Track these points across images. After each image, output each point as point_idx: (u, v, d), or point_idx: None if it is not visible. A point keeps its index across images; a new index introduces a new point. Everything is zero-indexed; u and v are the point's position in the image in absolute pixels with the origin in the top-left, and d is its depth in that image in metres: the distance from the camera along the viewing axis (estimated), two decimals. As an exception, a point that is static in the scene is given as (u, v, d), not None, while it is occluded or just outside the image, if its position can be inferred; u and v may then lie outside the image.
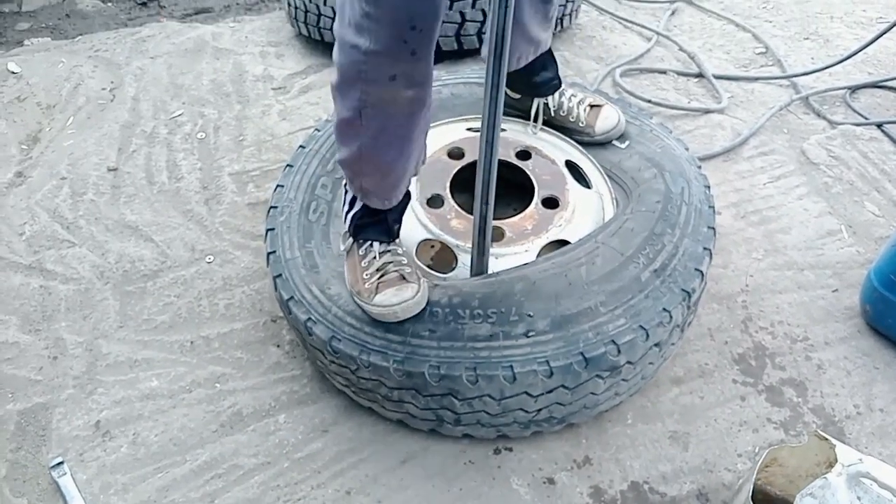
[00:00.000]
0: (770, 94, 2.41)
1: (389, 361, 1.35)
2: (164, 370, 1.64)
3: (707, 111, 2.30)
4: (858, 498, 1.15)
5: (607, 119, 1.72)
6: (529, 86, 1.73)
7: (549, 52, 1.71)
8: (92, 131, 2.23)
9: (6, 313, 1.75)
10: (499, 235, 1.55)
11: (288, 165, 1.72)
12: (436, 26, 1.15)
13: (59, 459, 1.48)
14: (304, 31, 2.54)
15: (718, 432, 1.54)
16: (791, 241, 1.91)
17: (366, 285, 1.39)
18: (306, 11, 2.44)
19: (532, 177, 1.65)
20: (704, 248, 1.51)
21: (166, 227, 1.95)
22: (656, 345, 1.43)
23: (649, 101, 2.30)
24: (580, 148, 1.75)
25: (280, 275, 1.51)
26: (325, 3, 2.38)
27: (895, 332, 1.68)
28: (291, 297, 1.47)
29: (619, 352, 1.35)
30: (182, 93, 2.37)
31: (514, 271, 1.45)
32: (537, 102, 1.75)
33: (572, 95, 1.75)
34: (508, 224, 1.57)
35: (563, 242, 1.55)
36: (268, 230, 1.60)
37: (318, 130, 1.79)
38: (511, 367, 1.32)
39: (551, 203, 1.61)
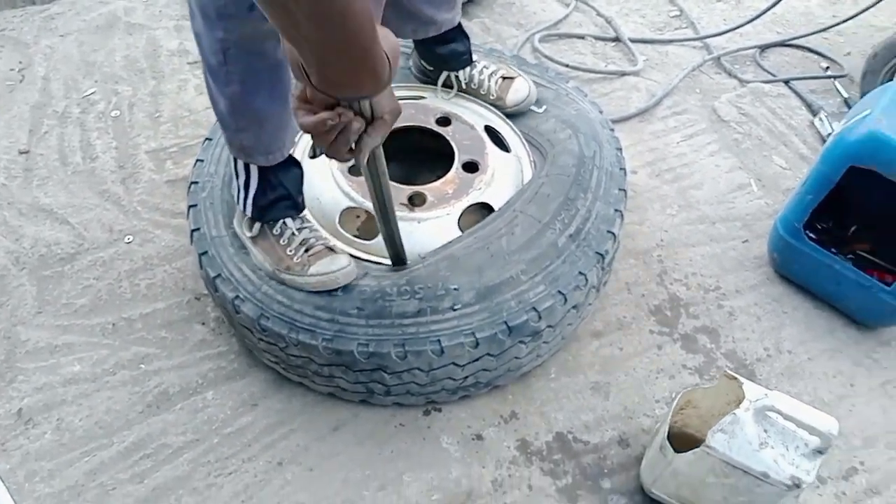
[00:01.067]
0: (684, 55, 2.48)
1: (318, 339, 1.36)
2: (87, 354, 1.61)
3: (623, 74, 2.35)
4: (765, 430, 1.22)
5: (518, 91, 1.74)
6: (438, 59, 1.75)
7: (459, 27, 1.71)
8: (1, 113, 2.14)
9: (-86, 304, 1.69)
10: (421, 201, 1.57)
11: (207, 139, 1.69)
12: None
13: (-20, 450, 1.45)
14: (220, 4, 2.48)
15: (637, 381, 1.61)
16: (703, 196, 1.99)
17: (295, 260, 1.39)
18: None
19: (452, 142, 1.67)
20: (616, 210, 1.56)
21: (82, 209, 1.89)
22: (574, 307, 1.48)
23: (567, 66, 2.33)
24: (499, 113, 1.78)
25: (206, 252, 1.49)
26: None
27: (801, 278, 1.77)
28: (219, 275, 1.46)
29: (539, 318, 1.40)
30: (94, 70, 2.29)
31: (439, 252, 1.47)
32: (445, 74, 1.77)
33: (484, 67, 1.77)
34: (430, 189, 1.58)
35: (484, 205, 1.58)
36: (190, 206, 1.57)
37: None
38: (439, 341, 1.35)
39: (471, 167, 1.63)
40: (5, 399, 1.54)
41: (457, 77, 1.77)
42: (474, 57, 1.77)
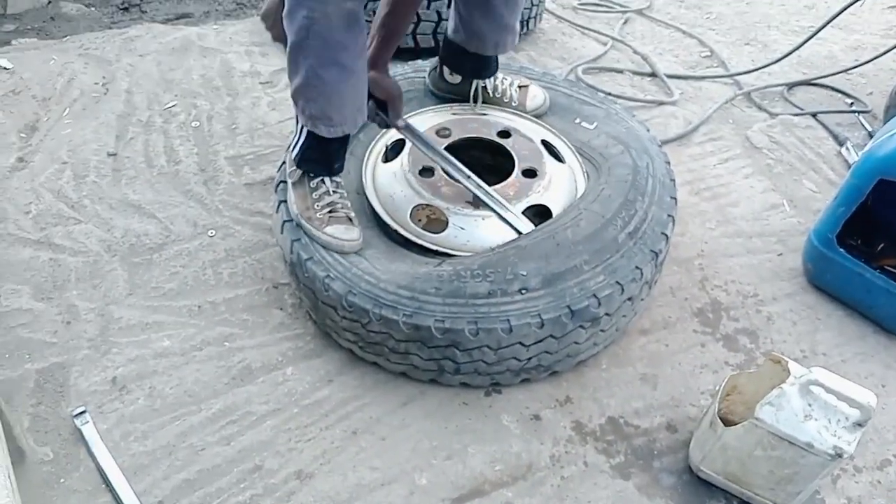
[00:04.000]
0: (716, 90, 2.66)
1: (399, 315, 1.50)
2: (175, 331, 1.75)
3: (661, 103, 2.53)
4: (809, 404, 1.33)
5: (535, 98, 1.97)
6: (473, 69, 1.92)
7: None
8: (89, 121, 2.33)
9: (18, 283, 1.84)
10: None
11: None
12: None
13: (82, 409, 1.57)
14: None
15: (683, 374, 1.73)
16: (740, 213, 2.14)
17: (317, 215, 1.60)
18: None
19: (513, 152, 1.83)
20: (669, 215, 1.71)
21: (168, 205, 2.06)
22: (629, 299, 1.61)
23: (609, 94, 2.51)
24: (553, 130, 1.94)
25: (298, 239, 1.64)
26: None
27: (834, 287, 1.90)
28: (311, 258, 1.60)
29: (599, 304, 1.54)
30: (173, 86, 2.49)
31: (509, 244, 1.61)
32: (476, 84, 1.94)
33: (504, 78, 1.97)
34: (493, 190, 1.73)
35: (543, 208, 1.73)
36: (280, 202, 1.72)
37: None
38: (508, 320, 1.49)
39: (530, 173, 1.79)
40: (101, 368, 1.67)
41: (484, 87, 1.95)
42: None
